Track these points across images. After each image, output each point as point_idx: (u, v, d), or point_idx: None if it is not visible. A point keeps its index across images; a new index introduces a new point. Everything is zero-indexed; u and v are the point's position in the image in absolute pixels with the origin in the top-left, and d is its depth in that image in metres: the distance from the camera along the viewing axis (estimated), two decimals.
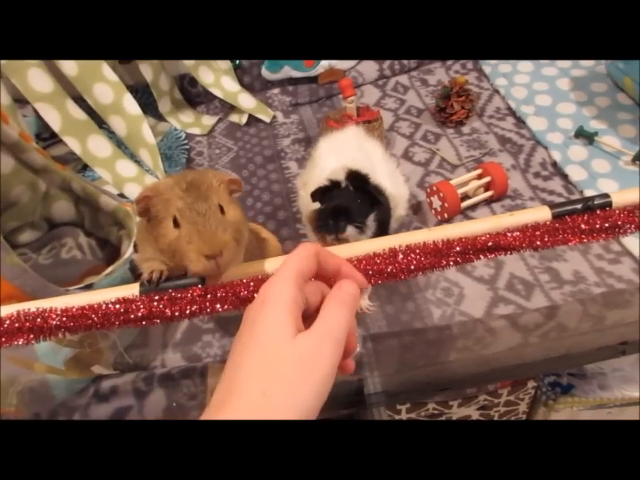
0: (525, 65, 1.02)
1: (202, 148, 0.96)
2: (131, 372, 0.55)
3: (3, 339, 0.36)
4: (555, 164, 0.82)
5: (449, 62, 1.07)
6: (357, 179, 0.59)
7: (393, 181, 0.68)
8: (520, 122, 0.91)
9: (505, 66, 1.03)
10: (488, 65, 1.03)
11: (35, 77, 0.71)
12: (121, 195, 0.77)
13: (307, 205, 0.63)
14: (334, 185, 0.59)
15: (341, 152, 0.68)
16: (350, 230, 0.56)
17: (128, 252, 0.60)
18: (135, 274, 0.58)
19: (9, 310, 0.37)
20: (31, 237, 0.69)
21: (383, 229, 0.60)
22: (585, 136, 0.83)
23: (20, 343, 0.37)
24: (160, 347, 0.63)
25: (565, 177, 0.80)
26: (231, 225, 0.41)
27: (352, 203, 0.57)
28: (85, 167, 0.86)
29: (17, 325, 0.36)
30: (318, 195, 0.59)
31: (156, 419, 0.54)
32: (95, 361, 0.47)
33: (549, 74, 0.99)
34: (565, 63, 1.00)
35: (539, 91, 0.96)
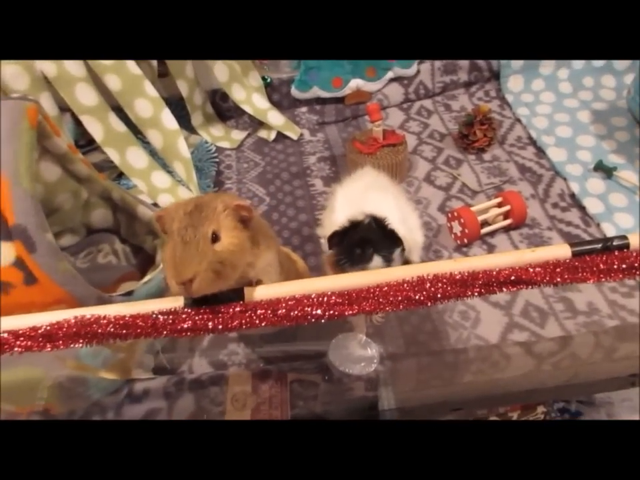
0: (547, 95, 1.05)
1: (231, 161, 0.99)
2: (165, 375, 0.59)
3: (61, 342, 0.40)
4: (573, 195, 0.85)
5: (472, 89, 1.11)
6: (378, 220, 0.59)
7: (407, 227, 0.66)
8: (540, 152, 0.94)
9: (527, 95, 1.06)
10: (511, 94, 1.06)
11: (82, 91, 0.76)
12: (155, 205, 0.80)
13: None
14: (354, 225, 0.58)
15: (356, 203, 0.66)
16: (376, 260, 0.56)
17: None
18: None
19: (67, 315, 0.40)
20: (70, 241, 0.72)
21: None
22: (603, 169, 0.86)
23: (75, 346, 0.40)
24: (187, 353, 0.66)
25: (582, 208, 0.82)
26: (215, 256, 0.41)
27: (377, 235, 0.57)
28: (120, 176, 0.90)
29: (74, 329, 0.40)
30: (337, 237, 0.59)
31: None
32: (135, 365, 0.51)
33: (570, 105, 1.02)
34: (587, 96, 1.03)
35: (560, 122, 0.98)
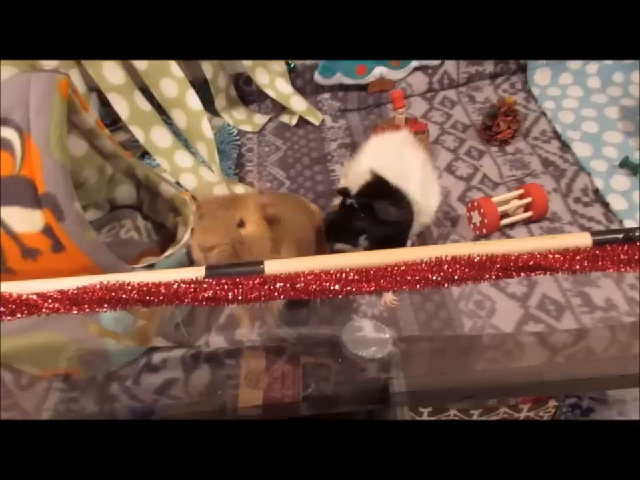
0: (574, 90, 1.03)
1: (252, 145, 1.00)
2: (184, 347, 0.60)
3: (86, 306, 0.41)
4: (596, 191, 0.84)
5: (498, 80, 1.09)
6: (366, 194, 0.64)
7: (425, 190, 0.71)
8: (565, 146, 0.93)
9: (553, 89, 1.04)
10: (537, 87, 1.05)
11: (109, 69, 0.77)
12: (178, 184, 0.82)
13: None
14: (345, 192, 0.65)
15: (380, 153, 0.73)
16: (340, 246, 0.65)
17: (184, 238, 0.64)
18: (190, 258, 0.62)
19: (93, 280, 0.41)
20: (94, 215, 0.74)
21: (386, 242, 0.65)
22: (629, 167, 0.84)
23: (100, 310, 0.41)
24: (204, 328, 0.67)
25: (605, 205, 0.81)
26: (238, 235, 0.49)
27: (345, 221, 0.64)
28: (143, 155, 0.92)
29: (99, 294, 0.41)
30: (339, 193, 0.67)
31: (199, 392, 0.59)
32: (156, 334, 0.52)
33: (598, 101, 1.00)
34: (616, 92, 1.01)
35: (587, 117, 0.97)
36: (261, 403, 0.63)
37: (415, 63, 1.05)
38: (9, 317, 0.43)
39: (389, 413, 0.76)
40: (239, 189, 0.87)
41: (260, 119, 1.05)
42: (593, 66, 1.05)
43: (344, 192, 0.65)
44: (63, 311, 0.42)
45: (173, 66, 0.83)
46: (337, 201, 0.68)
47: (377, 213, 0.62)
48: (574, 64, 1.05)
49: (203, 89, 1.03)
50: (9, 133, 0.47)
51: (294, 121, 1.03)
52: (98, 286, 0.41)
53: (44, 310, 0.42)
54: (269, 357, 0.69)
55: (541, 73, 1.06)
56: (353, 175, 0.71)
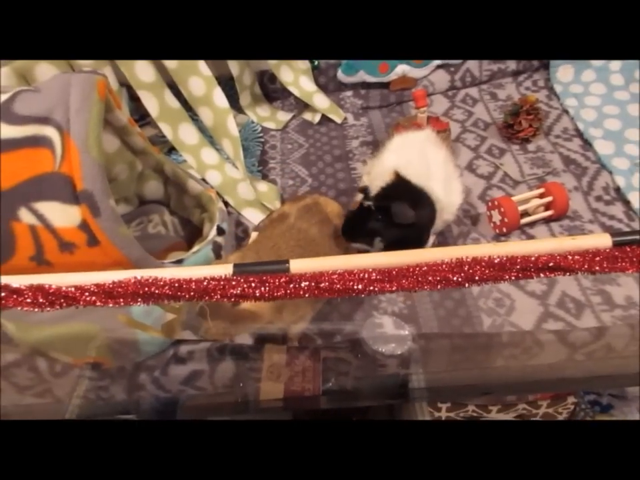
0: (597, 87, 1.02)
1: (275, 142, 1.02)
2: (210, 341, 0.63)
3: (121, 300, 0.43)
4: (618, 189, 0.83)
5: (520, 78, 1.09)
6: (385, 196, 0.65)
7: (447, 187, 0.72)
8: (586, 144, 0.92)
9: (576, 86, 1.03)
10: (559, 84, 1.04)
11: (141, 67, 0.79)
12: (203, 180, 0.84)
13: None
14: (364, 192, 0.66)
15: (403, 152, 0.74)
16: (356, 245, 0.67)
17: (211, 234, 0.67)
18: (216, 254, 0.64)
19: (127, 275, 0.44)
20: (123, 210, 0.77)
21: (403, 244, 0.63)
22: None
23: (133, 304, 0.44)
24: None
25: (627, 203, 0.81)
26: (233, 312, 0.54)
27: (361, 222, 0.65)
28: (170, 151, 0.94)
29: (133, 289, 0.43)
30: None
31: (223, 385, 0.61)
32: (183, 327, 0.54)
33: (621, 98, 0.99)
34: (638, 89, 1.00)
35: (609, 114, 0.96)
36: (282, 395, 0.65)
37: (437, 61, 1.06)
38: (48, 308, 0.45)
39: (408, 408, 0.78)
40: (262, 186, 0.89)
41: (283, 116, 1.06)
42: (615, 63, 1.04)
43: (364, 192, 0.67)
44: (99, 303, 0.44)
45: (202, 65, 0.84)
46: (359, 197, 0.69)
47: (393, 216, 0.63)
48: (597, 61, 1.04)
49: (228, 85, 1.05)
50: (50, 132, 0.49)
51: (317, 118, 1.04)
52: (132, 280, 0.43)
53: (81, 302, 0.44)
54: (291, 351, 0.71)
55: (564, 70, 1.06)
56: (376, 173, 0.72)
